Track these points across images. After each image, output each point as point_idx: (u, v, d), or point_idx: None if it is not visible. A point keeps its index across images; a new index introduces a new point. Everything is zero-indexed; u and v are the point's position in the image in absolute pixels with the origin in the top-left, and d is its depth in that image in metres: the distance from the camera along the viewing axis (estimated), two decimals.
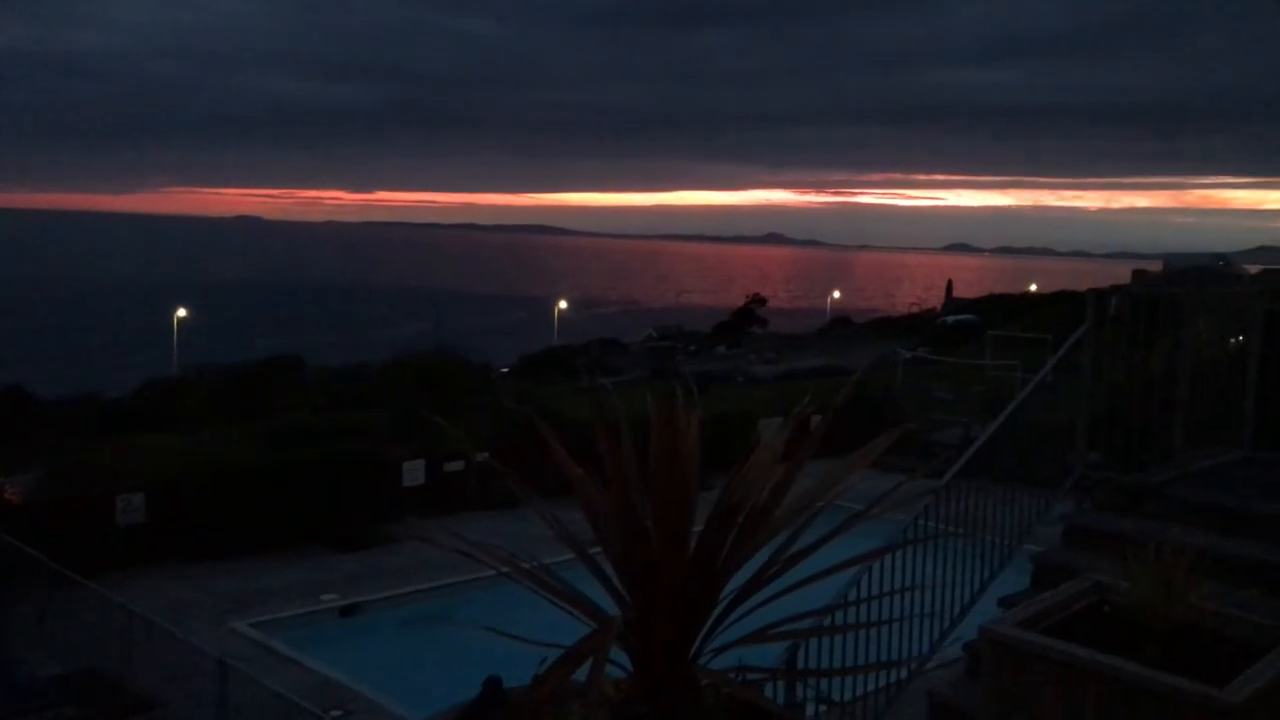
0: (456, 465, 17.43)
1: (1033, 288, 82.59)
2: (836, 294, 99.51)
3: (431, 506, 16.63)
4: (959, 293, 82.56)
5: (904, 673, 6.83)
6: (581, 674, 1.69)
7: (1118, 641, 3.37)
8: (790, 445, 2.31)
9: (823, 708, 4.67)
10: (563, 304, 73.68)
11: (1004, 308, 58.04)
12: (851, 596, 4.97)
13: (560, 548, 2.15)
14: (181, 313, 53.73)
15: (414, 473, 17.04)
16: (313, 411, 19.32)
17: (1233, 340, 8.80)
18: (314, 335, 60.17)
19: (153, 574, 13.67)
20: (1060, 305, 46.20)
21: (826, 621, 2.37)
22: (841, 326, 70.93)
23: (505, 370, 38.05)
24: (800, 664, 5.79)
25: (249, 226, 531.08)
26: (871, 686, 6.65)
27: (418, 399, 19.98)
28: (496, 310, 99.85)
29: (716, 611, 1.97)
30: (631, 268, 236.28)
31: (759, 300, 76.20)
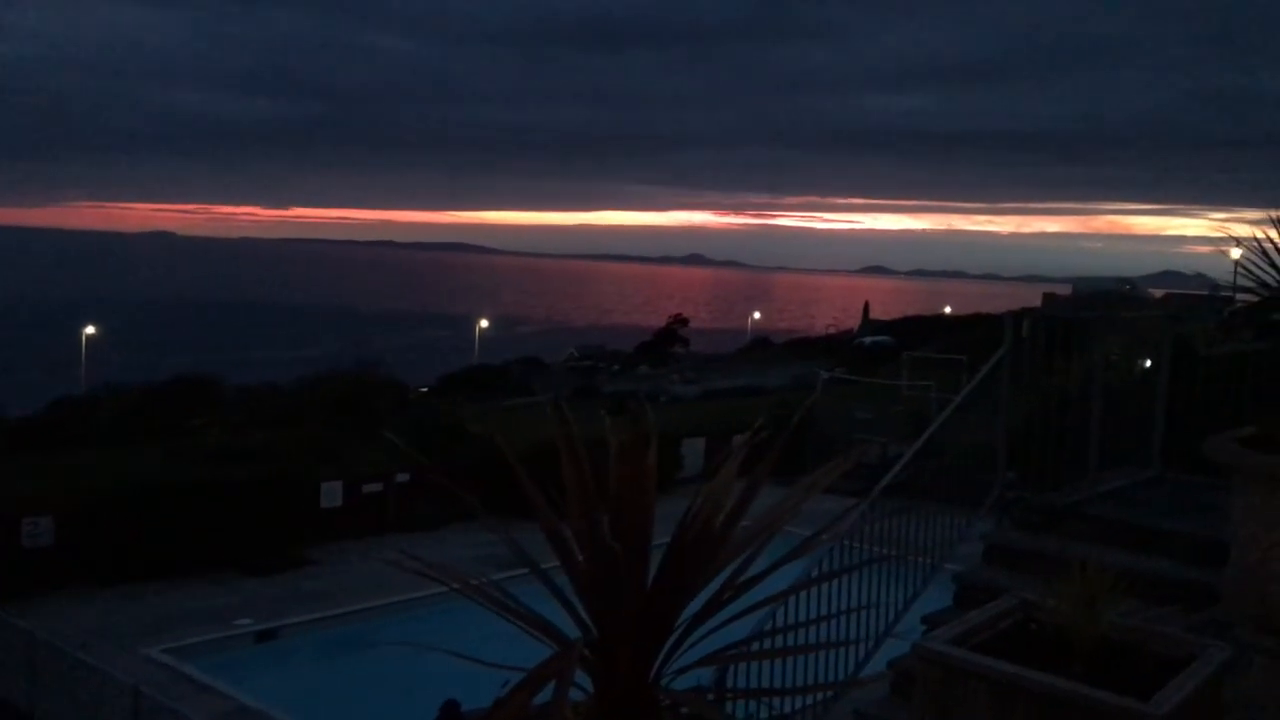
0: (375, 487, 17.20)
1: (947, 310, 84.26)
2: (756, 315, 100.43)
3: (350, 528, 16.37)
4: (875, 314, 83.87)
5: (831, 692, 6.89)
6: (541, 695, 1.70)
7: (1044, 658, 3.46)
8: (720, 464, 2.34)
9: None
10: (484, 323, 73.23)
11: (919, 329, 59.10)
12: (782, 618, 5.02)
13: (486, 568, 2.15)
14: (91, 330, 52.28)
15: (332, 494, 16.76)
16: (227, 432, 18.91)
17: (1142, 363, 9.09)
18: (229, 354, 58.95)
19: (61, 599, 13.25)
20: (974, 327, 47.24)
21: (767, 644, 2.39)
22: (761, 347, 71.58)
23: (425, 390, 37.63)
24: (729, 685, 5.84)
25: (162, 242, 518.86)
26: (797, 705, 6.71)
27: (336, 419, 19.70)
28: (416, 329, 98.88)
29: (677, 633, 1.99)
30: (554, 287, 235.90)
31: (681, 320, 76.56)
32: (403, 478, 17.28)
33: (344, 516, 16.57)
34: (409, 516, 16.87)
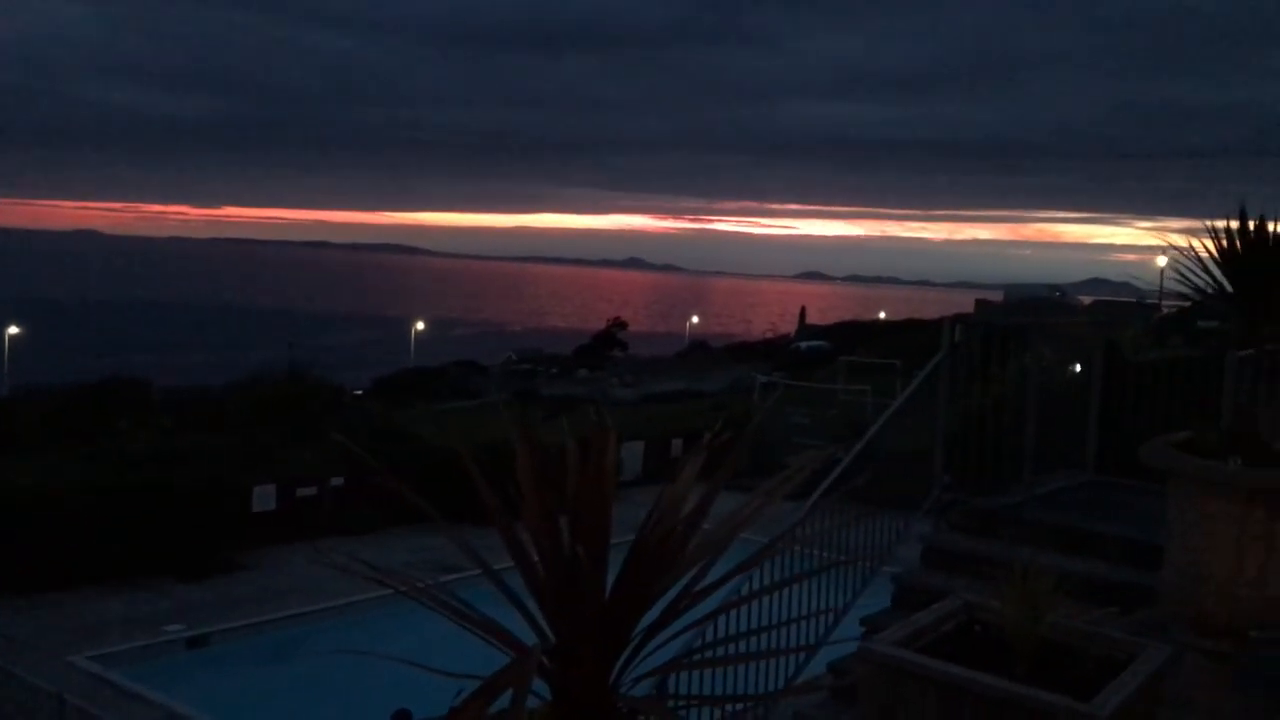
0: (309, 490, 16.94)
1: (882, 315, 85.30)
2: (695, 319, 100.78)
3: (283, 533, 16.10)
4: (812, 319, 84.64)
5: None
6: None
7: (988, 659, 3.49)
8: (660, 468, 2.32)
9: None
10: (420, 325, 72.60)
11: (855, 334, 59.73)
12: (724, 627, 5.02)
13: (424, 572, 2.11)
14: (13, 330, 50.91)
15: (264, 498, 16.46)
16: (157, 435, 18.50)
17: (1073, 368, 9.26)
18: (159, 355, 57.74)
19: None
20: (908, 332, 47.85)
21: (710, 653, 2.37)
22: (699, 351, 71.82)
23: (359, 392, 37.16)
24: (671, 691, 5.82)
25: (89, 241, 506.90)
26: (735, 708, 6.70)
27: (269, 422, 19.39)
28: (351, 330, 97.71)
29: (636, 639, 1.96)
30: (491, 289, 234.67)
31: (619, 324, 76.60)
32: (337, 481, 17.04)
33: (277, 521, 16.28)
34: (343, 520, 16.64)
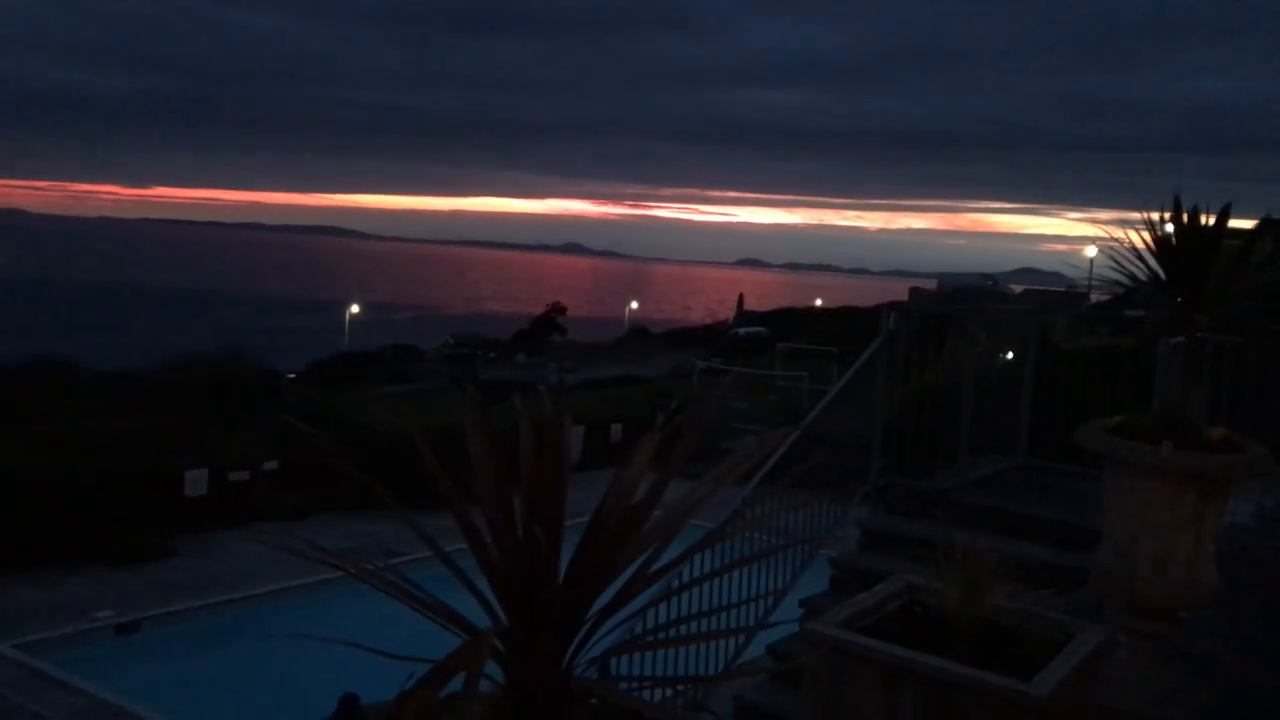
0: (242, 475, 16.68)
1: (818, 302, 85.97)
2: (634, 305, 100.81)
3: (216, 518, 15.85)
4: (750, 306, 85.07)
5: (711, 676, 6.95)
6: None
7: (930, 640, 3.54)
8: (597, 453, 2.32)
9: None
10: (355, 308, 71.70)
11: (793, 321, 60.17)
12: (665, 611, 5.04)
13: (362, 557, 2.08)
14: None
15: (197, 483, 16.18)
16: (85, 418, 18.05)
17: (1006, 355, 9.42)
18: (87, 337, 56.34)
19: None
20: (845, 319, 48.33)
21: (668, 635, 2.37)
22: (639, 337, 71.85)
23: (293, 376, 36.60)
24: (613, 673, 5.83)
25: (14, 220, 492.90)
26: (681, 690, 6.74)
27: (201, 406, 19.04)
28: (285, 313, 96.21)
29: (590, 622, 1.95)
30: (428, 273, 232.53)
31: (559, 309, 76.35)
32: (271, 465, 16.81)
33: (210, 506, 16.02)
34: (277, 505, 16.43)
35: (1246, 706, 4.97)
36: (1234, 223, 4.79)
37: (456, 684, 1.71)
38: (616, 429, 20.90)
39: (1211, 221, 4.66)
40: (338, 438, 16.49)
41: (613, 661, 5.05)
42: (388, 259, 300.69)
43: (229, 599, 13.08)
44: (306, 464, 16.50)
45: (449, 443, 2.18)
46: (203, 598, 13.10)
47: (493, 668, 1.93)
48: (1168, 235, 4.74)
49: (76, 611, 12.50)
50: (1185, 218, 4.70)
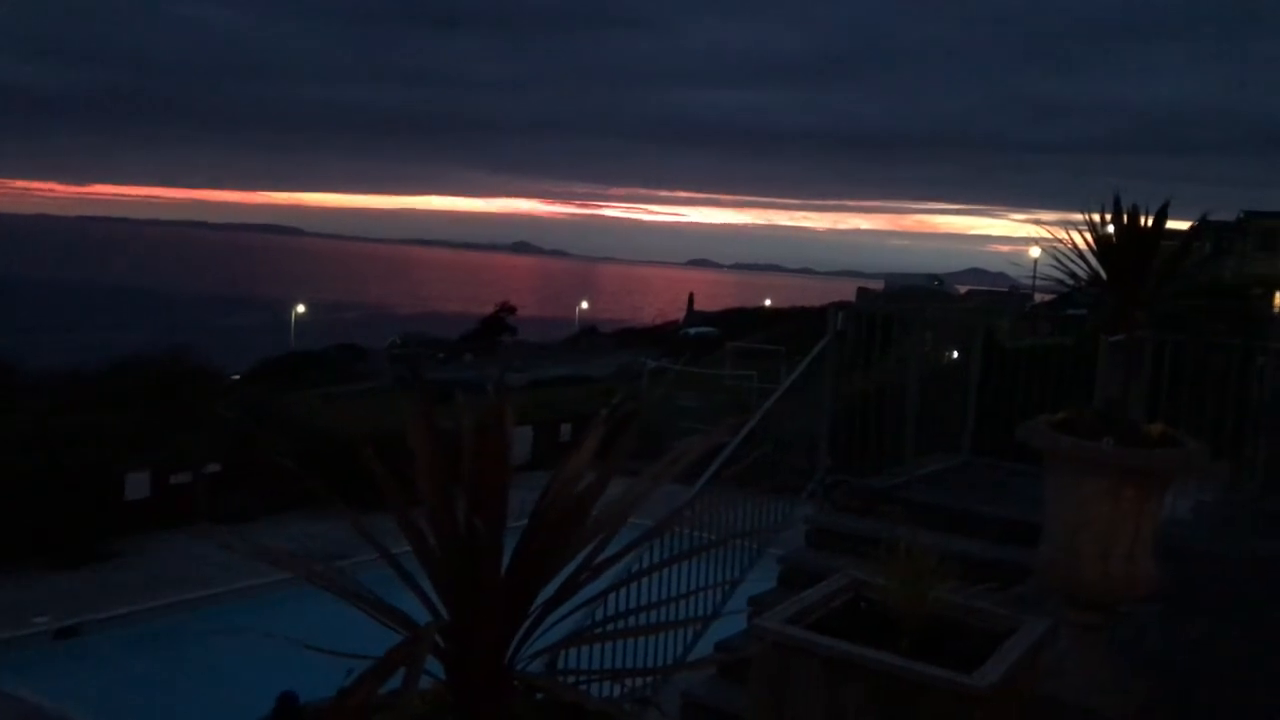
0: (184, 477, 16.44)
1: (767, 302, 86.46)
2: (584, 304, 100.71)
3: (158, 520, 15.59)
4: (700, 306, 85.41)
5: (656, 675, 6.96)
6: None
7: (875, 634, 3.57)
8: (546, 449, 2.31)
9: None
10: (301, 308, 70.95)
11: (742, 321, 60.48)
12: (613, 605, 5.04)
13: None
14: None
15: (138, 485, 15.92)
16: (22, 419, 17.67)
17: (951, 354, 9.54)
18: (27, 336, 55.13)
19: None
20: (793, 319, 48.64)
21: (615, 627, 2.36)
22: (589, 337, 71.82)
23: (237, 377, 36.11)
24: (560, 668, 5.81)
25: None
26: (620, 690, 6.74)
27: (143, 407, 18.72)
28: (229, 313, 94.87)
29: (533, 615, 1.93)
30: (375, 272, 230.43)
31: (508, 309, 76.07)
32: (213, 468, 16.57)
33: (151, 508, 15.76)
34: (221, 507, 16.21)
35: (1185, 697, 5.07)
36: (1172, 223, 4.89)
37: (398, 680, 1.69)
38: (566, 429, 20.87)
39: (1150, 222, 4.75)
40: (283, 439, 16.32)
41: (560, 656, 5.03)
42: (335, 258, 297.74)
43: (171, 602, 12.88)
44: (251, 465, 16.30)
45: (394, 443, 2.16)
46: (144, 601, 12.88)
47: (435, 664, 1.91)
48: (1109, 235, 4.82)
49: (14, 616, 12.24)
50: (1125, 218, 4.79)
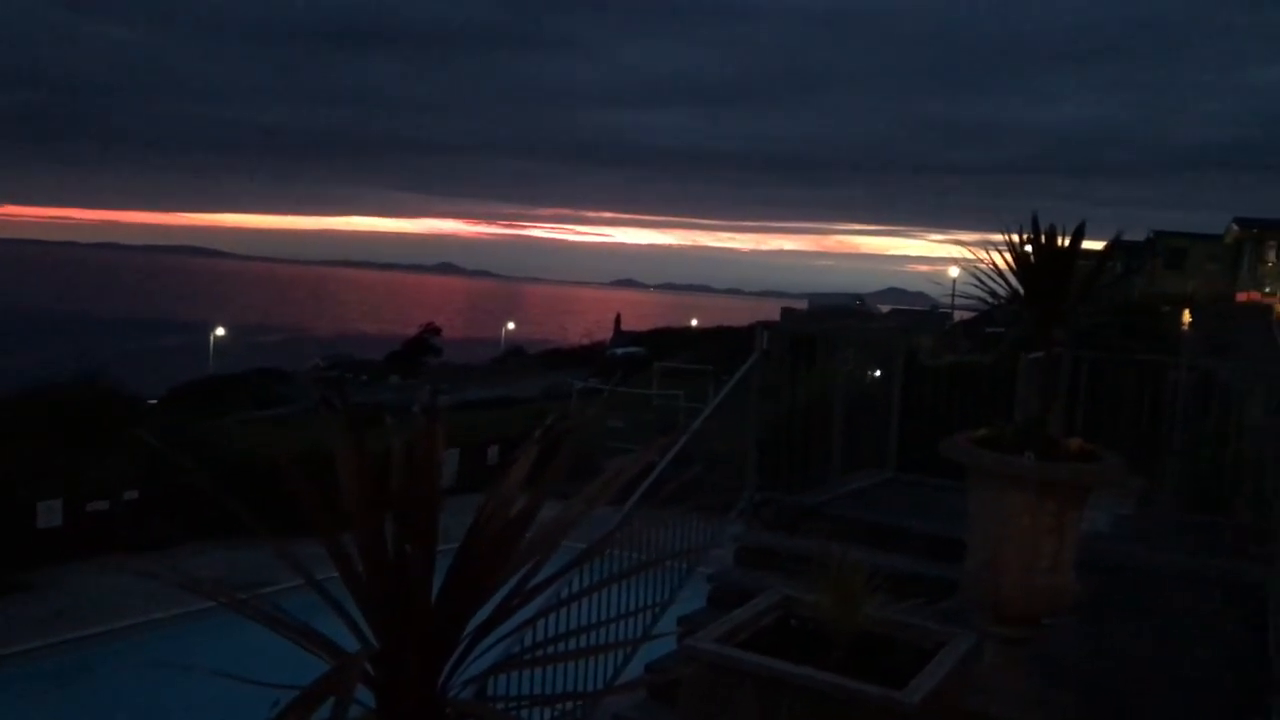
0: (100, 505, 15.97)
1: (694, 322, 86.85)
2: (510, 325, 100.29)
3: (72, 550, 15.11)
4: (627, 326, 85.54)
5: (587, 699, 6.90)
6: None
7: (806, 652, 3.58)
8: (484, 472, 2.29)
9: None
10: (220, 330, 69.62)
11: (669, 341, 60.62)
12: (544, 630, 5.00)
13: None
14: None
15: (50, 513, 15.42)
16: None
17: (874, 372, 9.67)
18: None
19: None
20: (719, 339, 48.92)
21: (540, 653, 2.34)
22: (516, 357, 71.45)
23: (153, 402, 35.24)
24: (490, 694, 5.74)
25: None
26: (551, 714, 6.67)
27: (56, 433, 18.19)
28: (145, 336, 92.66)
29: (465, 641, 1.90)
30: (296, 294, 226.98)
31: (433, 330, 75.38)
32: (130, 495, 16.13)
33: (65, 538, 15.26)
34: (140, 536, 15.75)
35: (1105, 708, 5.17)
36: (1087, 243, 5.02)
37: (326, 710, 1.65)
38: (493, 451, 20.69)
39: (1067, 242, 4.86)
40: (203, 464, 15.96)
41: (490, 681, 4.98)
42: (254, 279, 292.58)
43: (85, 634, 12.47)
44: (171, 492, 15.90)
45: (319, 467, 2.12)
46: (59, 633, 12.46)
47: (365, 693, 1.87)
48: (1027, 254, 4.93)
49: None
50: (1043, 238, 4.90)
